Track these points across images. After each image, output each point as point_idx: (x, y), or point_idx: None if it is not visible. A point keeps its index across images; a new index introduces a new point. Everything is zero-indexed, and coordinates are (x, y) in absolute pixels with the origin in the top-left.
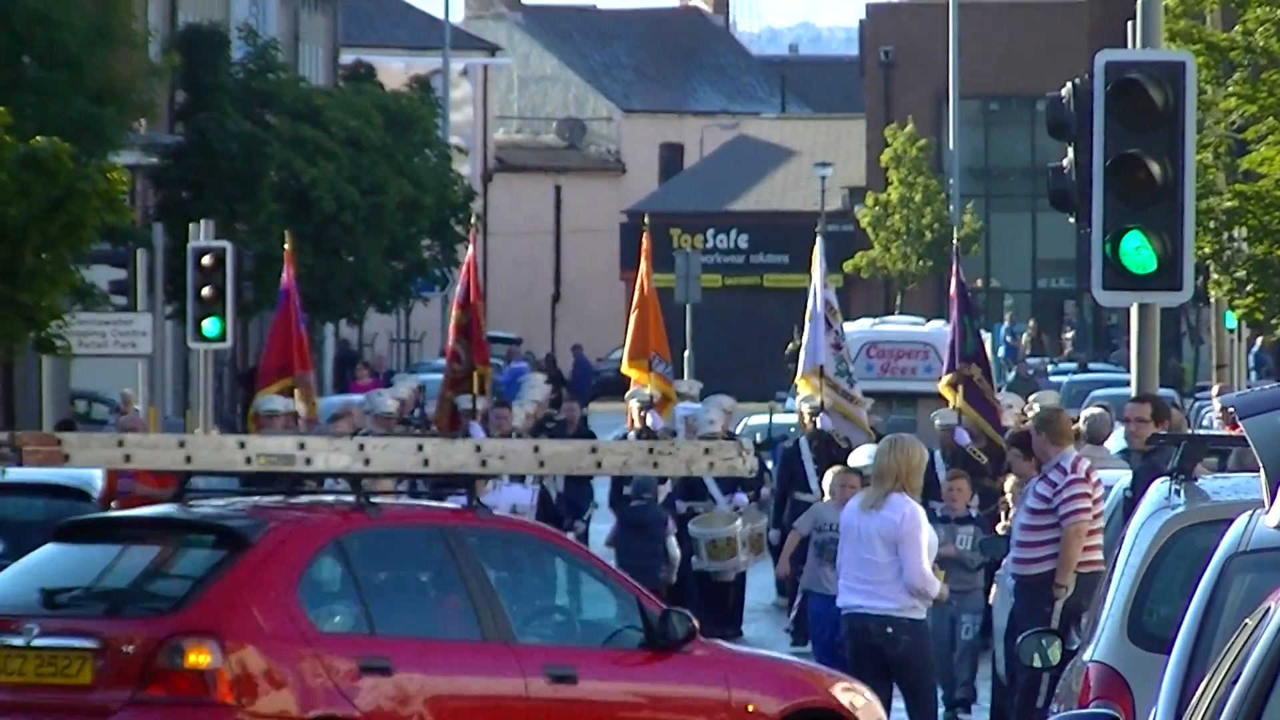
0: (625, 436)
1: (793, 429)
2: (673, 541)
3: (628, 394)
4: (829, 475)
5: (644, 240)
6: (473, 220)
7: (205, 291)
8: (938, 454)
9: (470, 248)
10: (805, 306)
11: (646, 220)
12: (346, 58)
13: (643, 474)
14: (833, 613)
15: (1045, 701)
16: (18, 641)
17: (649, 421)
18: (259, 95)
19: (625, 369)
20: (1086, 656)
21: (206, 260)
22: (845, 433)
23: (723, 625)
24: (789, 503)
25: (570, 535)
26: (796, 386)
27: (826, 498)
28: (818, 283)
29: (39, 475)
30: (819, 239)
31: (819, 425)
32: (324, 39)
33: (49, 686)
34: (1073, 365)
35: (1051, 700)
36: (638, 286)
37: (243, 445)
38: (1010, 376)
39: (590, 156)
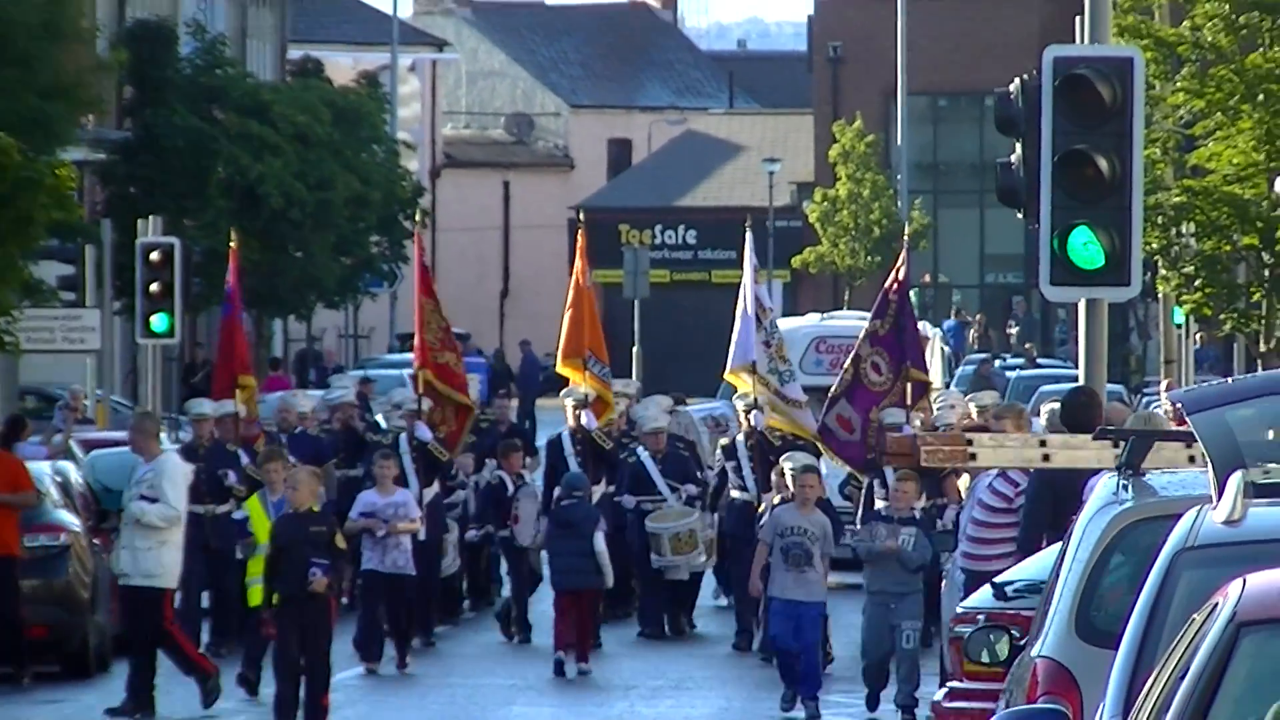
0: (565, 435)
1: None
2: (599, 538)
3: (563, 392)
4: (788, 475)
5: (580, 237)
6: (418, 216)
7: (153, 287)
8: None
9: (417, 247)
10: (734, 299)
11: (582, 216)
12: (294, 53)
13: None
14: (793, 616)
15: None
16: None
17: (584, 420)
18: (207, 91)
19: (559, 368)
20: (1034, 652)
21: (155, 256)
22: (785, 430)
23: (675, 624)
24: (726, 501)
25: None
26: (730, 385)
27: (777, 499)
28: (748, 279)
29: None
30: (748, 233)
31: (753, 423)
32: (272, 34)
33: None
34: (1020, 360)
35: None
36: (573, 283)
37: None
38: (958, 373)
39: (538, 152)
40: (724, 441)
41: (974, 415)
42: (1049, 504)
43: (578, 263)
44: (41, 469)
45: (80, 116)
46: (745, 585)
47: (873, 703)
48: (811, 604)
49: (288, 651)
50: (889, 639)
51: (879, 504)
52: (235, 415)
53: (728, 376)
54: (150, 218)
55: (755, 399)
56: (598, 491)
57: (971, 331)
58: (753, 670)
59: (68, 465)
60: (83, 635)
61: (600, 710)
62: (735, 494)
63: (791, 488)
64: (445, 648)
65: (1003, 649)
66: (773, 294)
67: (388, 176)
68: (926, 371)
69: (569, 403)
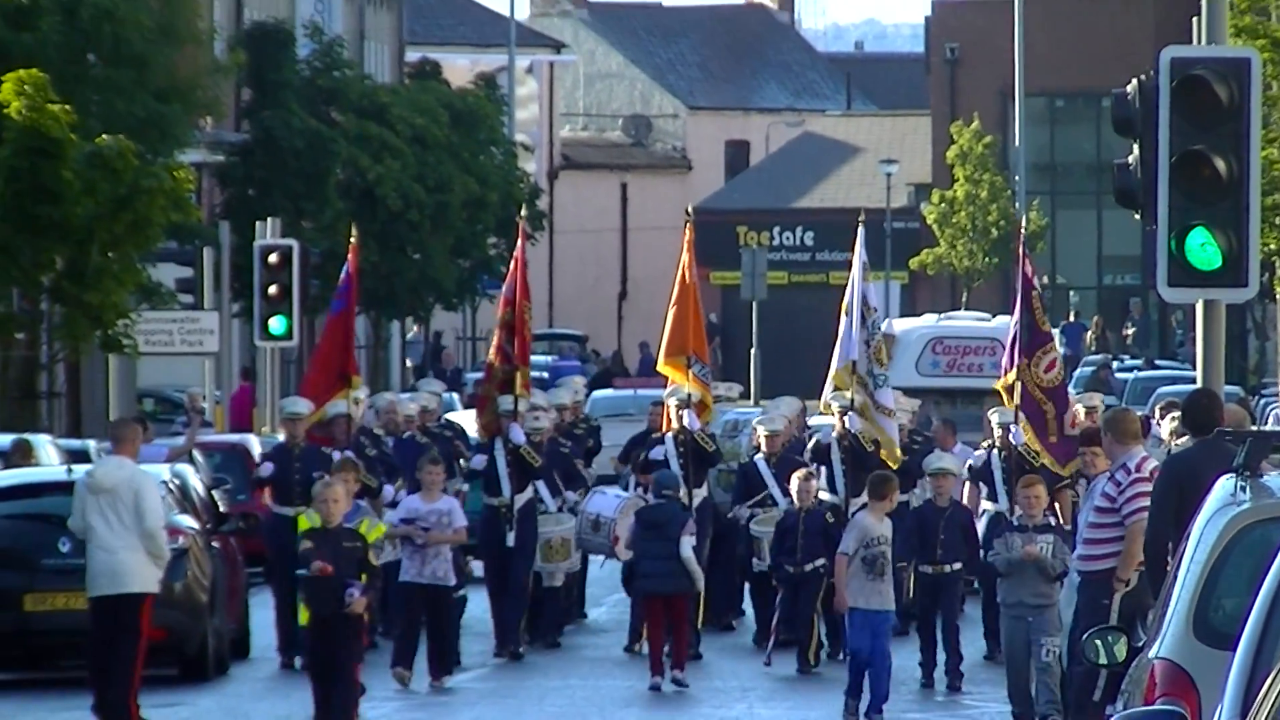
0: (651, 435)
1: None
2: (685, 543)
3: (665, 392)
4: (870, 484)
5: (687, 231)
6: (521, 214)
7: (272, 289)
8: (994, 453)
9: (520, 242)
10: (841, 299)
11: (690, 210)
12: (412, 55)
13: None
14: (873, 626)
15: (1102, 696)
16: None
17: (686, 421)
18: (324, 93)
19: (661, 366)
20: (1152, 654)
21: (273, 258)
22: (873, 435)
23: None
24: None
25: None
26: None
27: (854, 505)
28: (856, 276)
29: None
30: (860, 229)
31: (848, 424)
32: (389, 36)
33: None
34: (1138, 362)
35: (1116, 696)
36: (678, 280)
37: None
38: (1075, 375)
39: (656, 154)
40: (814, 443)
41: (1081, 417)
42: (1175, 503)
43: (684, 258)
44: (159, 472)
45: (196, 118)
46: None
47: None
48: (887, 613)
49: (321, 671)
50: (1025, 655)
51: (986, 507)
52: (348, 416)
53: (831, 377)
54: (268, 220)
55: (851, 399)
56: (699, 495)
57: (1089, 334)
58: None
59: (185, 469)
60: (201, 638)
61: (718, 712)
62: (825, 496)
63: (867, 496)
64: (565, 651)
65: (1120, 650)
66: (890, 295)
67: (505, 178)
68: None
69: (672, 403)
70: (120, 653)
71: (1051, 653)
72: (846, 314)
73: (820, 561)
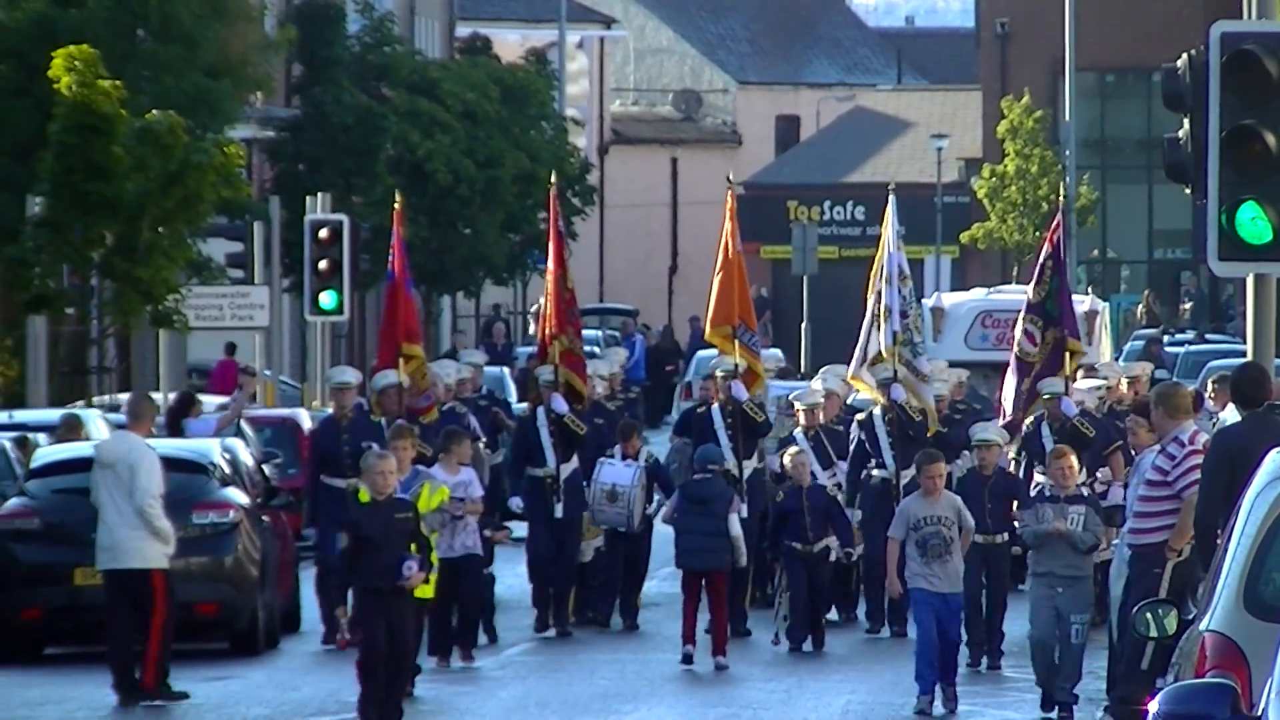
0: (703, 407)
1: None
2: (734, 519)
3: (711, 363)
4: (917, 465)
5: (729, 200)
6: (553, 177)
7: (322, 265)
8: (1044, 425)
9: (552, 212)
10: (878, 269)
11: (730, 178)
12: (462, 30)
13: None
14: (938, 607)
15: (1151, 667)
16: None
17: (733, 392)
18: (375, 69)
19: (708, 335)
20: (1202, 626)
21: (323, 233)
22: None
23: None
24: (863, 478)
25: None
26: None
27: (904, 478)
28: (890, 244)
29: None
30: (891, 198)
31: (892, 396)
32: (440, 12)
33: None
34: (1189, 336)
35: (1166, 668)
36: (721, 249)
37: None
38: (1126, 349)
39: (706, 129)
40: (860, 416)
41: (1124, 387)
42: (1226, 477)
43: (727, 225)
44: (210, 446)
45: (247, 95)
46: (880, 567)
47: (1047, 703)
48: (955, 595)
49: (377, 648)
50: (1056, 626)
51: (1037, 478)
52: (399, 386)
53: (883, 349)
54: (318, 195)
55: (894, 371)
56: (749, 467)
57: (1139, 309)
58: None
59: (236, 443)
60: (252, 613)
61: (767, 686)
62: (875, 472)
63: (919, 477)
64: (615, 626)
65: (1170, 623)
66: (940, 270)
67: (556, 154)
68: (1079, 341)
69: (719, 374)
70: (141, 628)
71: (1079, 632)
72: (887, 284)
73: (828, 541)
